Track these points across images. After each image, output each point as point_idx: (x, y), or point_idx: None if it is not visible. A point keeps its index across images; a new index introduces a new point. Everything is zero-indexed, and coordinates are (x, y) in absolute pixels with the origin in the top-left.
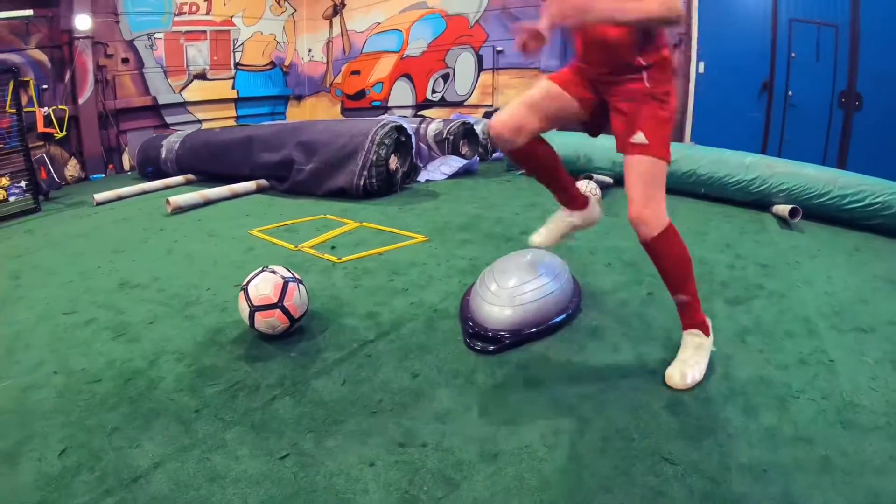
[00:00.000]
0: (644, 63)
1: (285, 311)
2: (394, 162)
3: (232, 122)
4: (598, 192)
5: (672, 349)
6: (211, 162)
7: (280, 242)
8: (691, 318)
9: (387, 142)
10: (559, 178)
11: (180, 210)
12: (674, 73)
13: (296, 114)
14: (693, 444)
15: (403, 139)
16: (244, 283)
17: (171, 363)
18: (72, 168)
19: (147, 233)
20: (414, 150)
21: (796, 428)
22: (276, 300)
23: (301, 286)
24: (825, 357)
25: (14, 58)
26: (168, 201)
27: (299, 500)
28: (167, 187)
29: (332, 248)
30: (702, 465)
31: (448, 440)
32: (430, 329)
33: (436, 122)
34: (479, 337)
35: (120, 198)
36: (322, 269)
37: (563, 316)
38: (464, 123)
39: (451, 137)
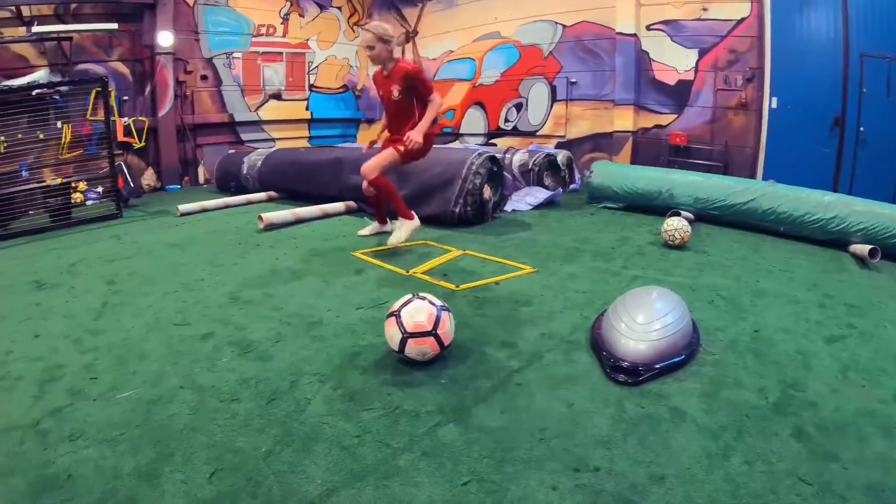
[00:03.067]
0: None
1: (438, 340)
2: (487, 191)
3: (305, 143)
4: (689, 228)
5: (787, 384)
6: (297, 180)
7: (389, 266)
8: (401, 213)
9: (482, 171)
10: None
11: (272, 227)
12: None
13: (366, 137)
14: (822, 466)
15: (496, 169)
16: (394, 308)
17: (314, 385)
18: (148, 177)
19: (243, 248)
20: (504, 181)
21: None
22: (430, 328)
23: (450, 315)
24: None
25: (97, 68)
26: (261, 217)
27: None
28: (249, 203)
29: (444, 274)
30: (833, 485)
31: (617, 464)
32: (569, 360)
33: (520, 153)
34: (619, 369)
35: (204, 210)
36: (440, 296)
37: (690, 351)
38: (548, 155)
39: (536, 169)
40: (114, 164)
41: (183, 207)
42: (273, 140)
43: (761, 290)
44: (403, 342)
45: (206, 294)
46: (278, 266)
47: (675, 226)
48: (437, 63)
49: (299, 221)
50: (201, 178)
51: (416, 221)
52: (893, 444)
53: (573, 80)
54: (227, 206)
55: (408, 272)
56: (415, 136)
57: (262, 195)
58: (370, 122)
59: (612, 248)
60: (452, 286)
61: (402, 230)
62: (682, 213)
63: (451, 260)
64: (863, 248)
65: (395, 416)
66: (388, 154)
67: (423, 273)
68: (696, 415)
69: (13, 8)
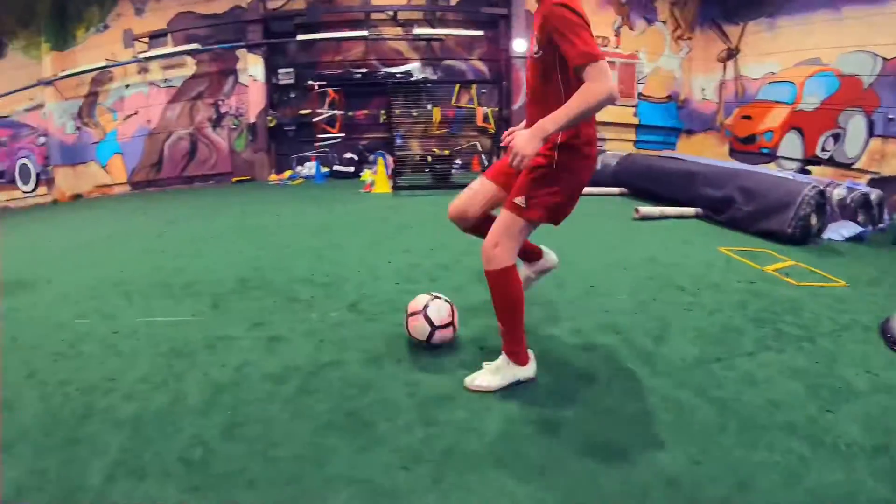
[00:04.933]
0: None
1: (454, 328)
2: (814, 219)
3: (630, 146)
4: None
5: None
6: (650, 183)
7: (748, 262)
8: (505, 345)
9: (812, 203)
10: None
11: (643, 218)
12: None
13: (685, 147)
14: None
15: (822, 202)
16: (418, 308)
17: None
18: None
19: (627, 232)
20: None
21: None
22: (449, 320)
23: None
24: None
25: (460, 65)
26: (637, 210)
27: None
28: (606, 194)
29: (787, 274)
30: None
31: None
32: (867, 335)
33: (840, 188)
34: None
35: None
36: (786, 286)
37: None
38: (864, 194)
39: (853, 205)
40: (498, 143)
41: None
42: (603, 139)
43: None
44: (431, 334)
45: (625, 254)
46: (658, 253)
47: None
48: (758, 83)
49: (663, 217)
50: None
51: (531, 370)
52: None
53: (891, 116)
54: (588, 194)
55: (762, 267)
56: (520, 142)
57: (615, 189)
58: (689, 132)
59: None
60: (794, 281)
61: (500, 375)
62: None
63: (786, 267)
64: None
65: None
66: (504, 219)
67: (774, 271)
68: None
69: (391, 12)
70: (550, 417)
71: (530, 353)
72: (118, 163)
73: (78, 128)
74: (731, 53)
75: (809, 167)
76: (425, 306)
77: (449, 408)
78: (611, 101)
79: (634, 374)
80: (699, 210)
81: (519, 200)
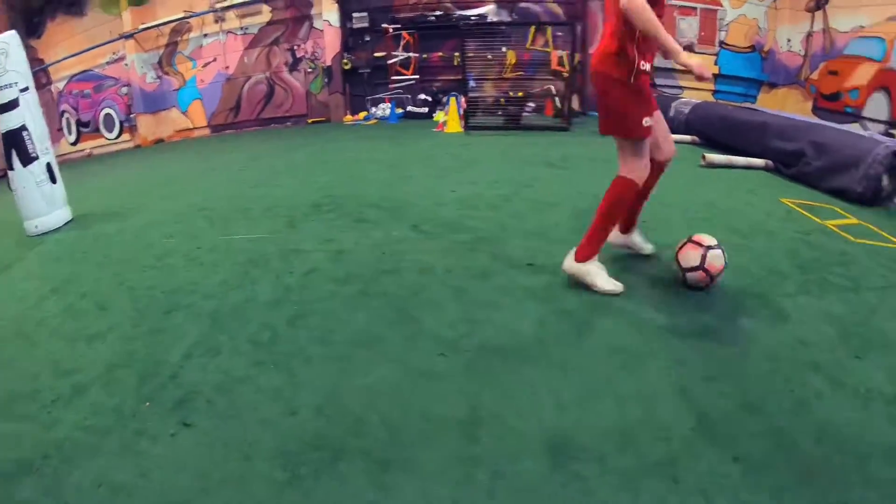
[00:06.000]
0: None
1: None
2: (885, 180)
3: (709, 96)
4: None
5: None
6: (722, 132)
7: (809, 215)
8: (591, 243)
9: (885, 163)
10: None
11: (712, 166)
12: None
13: (766, 101)
14: None
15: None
16: (707, 243)
17: None
18: (574, 102)
19: (692, 178)
20: None
21: None
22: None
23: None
24: None
25: (536, 8)
26: (704, 156)
27: None
28: (678, 142)
29: (846, 230)
30: None
31: None
32: None
33: None
34: None
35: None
36: (843, 241)
37: None
38: None
39: None
40: (573, 88)
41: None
42: (682, 88)
43: None
44: (696, 269)
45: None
46: (721, 198)
47: None
48: (847, 37)
49: (730, 166)
50: None
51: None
52: None
53: None
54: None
55: (821, 220)
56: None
57: (687, 137)
58: (772, 86)
59: None
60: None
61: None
62: None
63: (849, 224)
64: None
65: None
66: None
67: (834, 226)
68: None
69: None
70: (583, 325)
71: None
72: (198, 108)
73: (159, 77)
74: (820, 3)
75: (894, 131)
76: (703, 258)
77: (490, 310)
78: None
79: (670, 298)
80: (769, 162)
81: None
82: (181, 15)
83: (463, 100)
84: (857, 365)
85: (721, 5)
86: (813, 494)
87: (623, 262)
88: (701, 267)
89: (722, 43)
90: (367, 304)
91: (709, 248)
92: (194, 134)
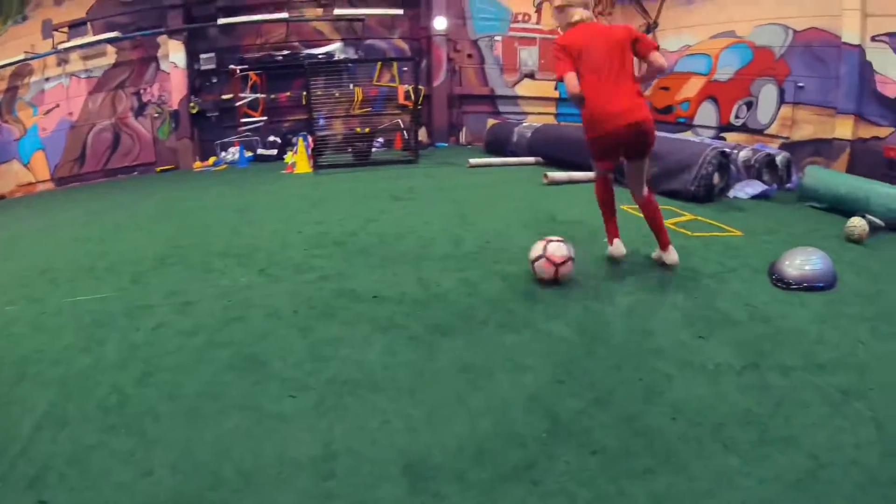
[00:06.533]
0: None
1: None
2: (716, 178)
3: (552, 119)
4: (866, 228)
5: None
6: (562, 151)
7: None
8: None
9: (714, 162)
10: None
11: (554, 183)
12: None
13: None
14: None
15: (725, 162)
16: (538, 253)
17: None
18: (421, 135)
19: (535, 196)
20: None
21: None
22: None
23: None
24: None
25: (382, 44)
26: (546, 175)
27: None
28: (522, 164)
29: (684, 227)
30: None
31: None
32: (755, 276)
33: (745, 150)
34: (780, 281)
35: (489, 165)
36: (681, 237)
37: (828, 282)
38: (768, 155)
39: (757, 165)
40: (419, 121)
41: (473, 161)
42: (525, 114)
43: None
44: (539, 258)
45: (532, 214)
46: (572, 210)
47: (857, 224)
48: (675, 56)
49: (571, 182)
50: (463, 139)
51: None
52: None
53: (801, 84)
54: (505, 165)
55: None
56: None
57: (531, 159)
58: None
59: (805, 233)
60: (689, 233)
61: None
62: (872, 217)
63: (686, 221)
64: None
65: None
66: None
67: (674, 224)
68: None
69: None
70: (429, 348)
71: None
72: (41, 159)
73: None
74: (650, 27)
75: (724, 134)
76: (544, 248)
77: (336, 345)
78: (571, 96)
79: (514, 311)
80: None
81: None
82: (22, 56)
83: (311, 139)
84: (701, 344)
85: (559, 33)
86: (675, 469)
87: (471, 285)
88: (543, 255)
89: None
90: (215, 355)
91: (550, 241)
92: (37, 188)
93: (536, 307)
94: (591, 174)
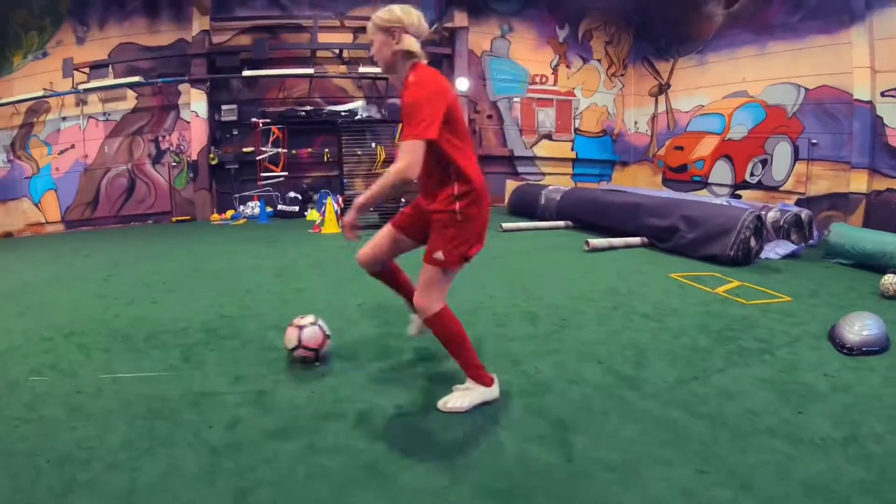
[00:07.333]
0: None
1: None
2: (753, 241)
3: (569, 179)
4: None
5: None
6: (595, 215)
7: (699, 286)
8: (467, 372)
9: (751, 226)
10: (407, 292)
11: (594, 250)
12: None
13: (620, 178)
14: None
15: (759, 225)
16: (302, 323)
17: None
18: None
19: (582, 264)
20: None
21: None
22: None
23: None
24: None
25: None
26: (587, 242)
27: None
28: (553, 228)
29: (736, 294)
30: None
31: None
32: (818, 343)
33: (773, 211)
34: (846, 348)
35: (519, 229)
36: (738, 306)
37: (881, 347)
38: (796, 215)
39: (786, 226)
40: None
41: (505, 225)
42: (543, 174)
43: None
44: (296, 348)
45: (586, 286)
46: (619, 281)
47: (891, 280)
48: (688, 115)
49: (611, 248)
50: None
51: (495, 391)
52: None
53: (814, 140)
54: (536, 229)
55: (712, 290)
56: (347, 217)
57: (560, 223)
58: (624, 164)
59: (843, 292)
60: (745, 301)
61: (468, 396)
62: None
63: (733, 288)
64: None
65: None
66: (428, 272)
67: (724, 292)
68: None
69: (336, 50)
70: (562, 446)
71: (494, 376)
72: (52, 199)
73: (10, 160)
74: (662, 88)
75: (739, 192)
76: (301, 327)
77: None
78: (399, 181)
79: (625, 399)
80: (644, 239)
81: (438, 255)
82: (41, 93)
83: (340, 199)
84: (803, 420)
85: (575, 95)
86: None
87: (571, 370)
88: (300, 346)
89: (577, 129)
90: (323, 465)
91: (302, 327)
92: (47, 229)
93: (646, 393)
94: (629, 240)
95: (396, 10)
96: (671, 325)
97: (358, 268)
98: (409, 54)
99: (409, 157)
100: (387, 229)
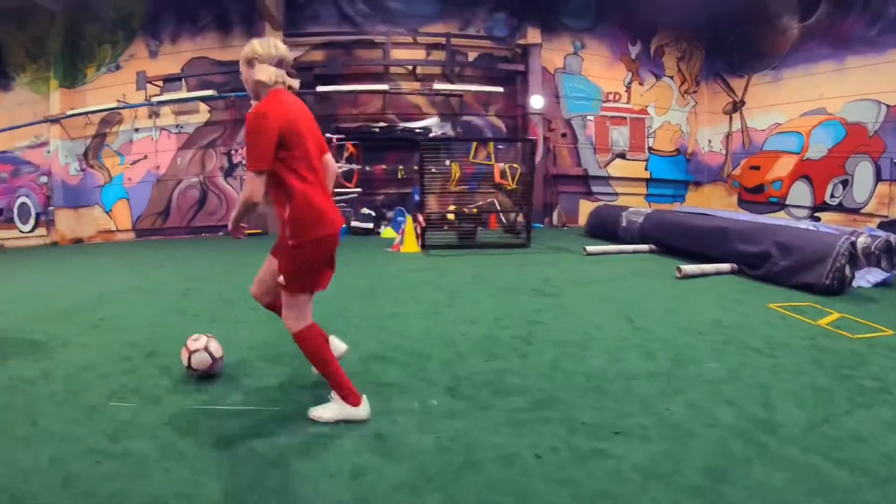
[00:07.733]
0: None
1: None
2: (847, 270)
3: (642, 200)
4: None
5: None
6: (679, 239)
7: (801, 318)
8: (340, 391)
9: (846, 253)
10: None
11: (686, 276)
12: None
13: (694, 199)
14: None
15: (854, 252)
16: (199, 347)
17: None
18: (517, 215)
19: (677, 292)
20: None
21: None
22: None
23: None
24: None
25: (477, 121)
26: (679, 269)
27: None
28: (636, 251)
29: (838, 327)
30: None
31: None
32: None
33: (863, 237)
34: None
35: (605, 252)
36: (844, 339)
37: None
38: (887, 241)
39: (877, 252)
40: (530, 203)
41: (589, 248)
42: (616, 194)
43: None
44: (187, 368)
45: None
46: (719, 312)
47: None
48: (764, 134)
49: (703, 275)
50: (556, 220)
51: (363, 411)
52: None
53: None
54: (621, 252)
55: (815, 322)
56: (230, 226)
57: (644, 247)
58: (698, 184)
59: None
60: (851, 335)
61: (331, 410)
62: None
63: (833, 321)
64: None
65: None
66: (283, 294)
67: (827, 324)
68: None
69: (410, 67)
70: (717, 497)
71: (363, 397)
72: (123, 208)
73: (83, 169)
74: (737, 105)
75: (818, 214)
76: (193, 351)
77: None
78: (245, 206)
79: (765, 444)
80: (734, 266)
81: (280, 279)
82: (114, 105)
83: (422, 217)
84: None
85: (648, 114)
86: None
87: (703, 412)
88: (189, 367)
89: (650, 148)
90: None
91: (193, 351)
92: (117, 237)
93: (783, 437)
94: (720, 266)
95: (255, 43)
96: (786, 363)
97: (455, 292)
98: (262, 83)
99: (249, 185)
100: (268, 259)
